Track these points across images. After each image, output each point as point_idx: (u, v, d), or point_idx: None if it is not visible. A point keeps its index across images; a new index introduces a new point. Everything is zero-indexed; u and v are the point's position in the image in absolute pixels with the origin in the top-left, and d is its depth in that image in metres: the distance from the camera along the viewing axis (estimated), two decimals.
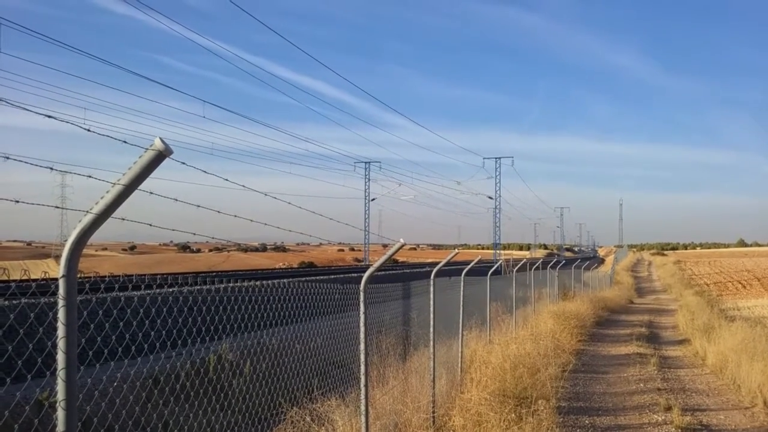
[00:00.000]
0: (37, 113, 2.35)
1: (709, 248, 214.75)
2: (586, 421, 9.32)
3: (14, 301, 9.99)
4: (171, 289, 8.87)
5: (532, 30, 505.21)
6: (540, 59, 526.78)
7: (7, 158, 2.13)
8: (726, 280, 57.98)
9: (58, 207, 2.99)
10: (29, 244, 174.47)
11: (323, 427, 6.50)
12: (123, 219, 2.46)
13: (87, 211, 2.23)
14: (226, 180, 3.16)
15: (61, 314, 2.26)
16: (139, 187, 2.28)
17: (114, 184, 2.22)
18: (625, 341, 18.06)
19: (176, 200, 2.74)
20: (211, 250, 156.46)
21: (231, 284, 5.35)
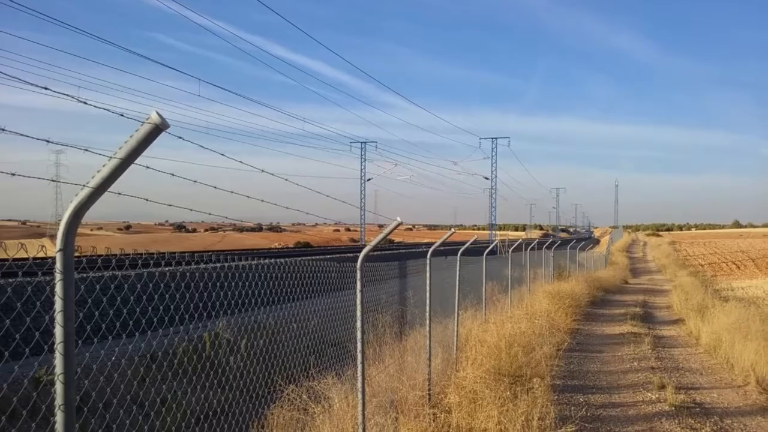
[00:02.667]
0: (33, 85, 2.33)
1: (705, 229, 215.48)
2: (581, 399, 9.40)
3: (10, 280, 9.98)
4: (168, 268, 8.85)
5: (532, 9, 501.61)
6: (539, 39, 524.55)
7: (3, 130, 2.11)
8: (721, 260, 58.33)
9: (53, 180, 2.97)
10: (24, 223, 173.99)
11: (320, 405, 6.54)
12: (119, 194, 2.44)
13: (84, 185, 2.21)
14: (223, 155, 3.13)
15: (58, 288, 2.25)
16: (135, 162, 2.26)
17: (110, 157, 2.19)
18: (620, 321, 18.17)
19: (173, 175, 2.72)
20: (206, 230, 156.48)
21: (227, 263, 5.35)
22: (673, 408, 8.90)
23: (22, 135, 2.20)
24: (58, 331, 2.27)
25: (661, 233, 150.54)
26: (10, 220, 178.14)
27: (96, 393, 4.90)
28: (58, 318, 2.26)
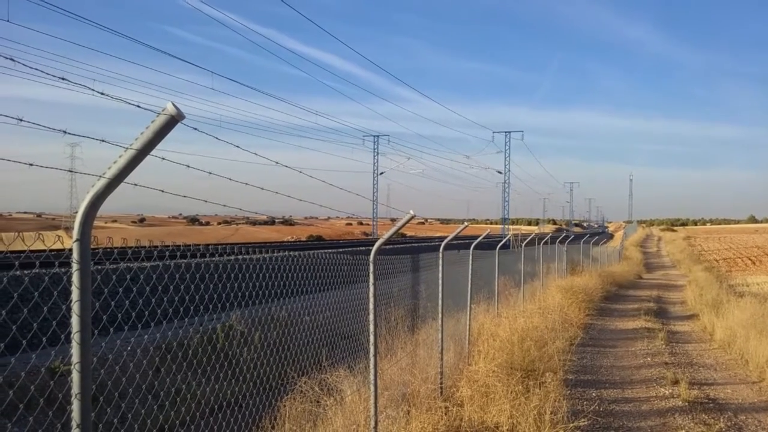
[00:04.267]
0: (50, 76, 2.35)
1: (720, 224, 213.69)
2: (593, 394, 9.37)
3: (26, 271, 10.09)
4: (183, 260, 8.91)
5: (546, 1, 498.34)
6: (554, 32, 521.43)
7: (21, 120, 2.13)
8: (736, 256, 57.86)
9: (70, 171, 3.00)
10: (39, 215, 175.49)
11: (332, 397, 6.56)
12: (135, 185, 2.46)
13: (100, 176, 2.23)
14: (238, 147, 3.14)
15: (75, 278, 2.27)
16: (150, 153, 2.28)
17: (127, 148, 2.21)
18: (634, 316, 18.08)
19: (188, 166, 2.73)
20: (219, 224, 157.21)
21: (241, 256, 5.38)
22: (687, 403, 8.85)
23: (39, 126, 2.22)
24: (75, 321, 2.29)
25: (675, 228, 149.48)
26: (25, 213, 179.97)
27: (112, 383, 4.95)
28: (75, 308, 2.29)
